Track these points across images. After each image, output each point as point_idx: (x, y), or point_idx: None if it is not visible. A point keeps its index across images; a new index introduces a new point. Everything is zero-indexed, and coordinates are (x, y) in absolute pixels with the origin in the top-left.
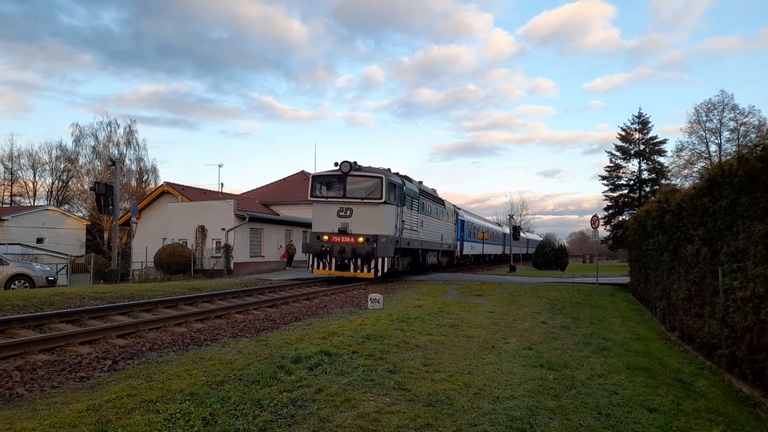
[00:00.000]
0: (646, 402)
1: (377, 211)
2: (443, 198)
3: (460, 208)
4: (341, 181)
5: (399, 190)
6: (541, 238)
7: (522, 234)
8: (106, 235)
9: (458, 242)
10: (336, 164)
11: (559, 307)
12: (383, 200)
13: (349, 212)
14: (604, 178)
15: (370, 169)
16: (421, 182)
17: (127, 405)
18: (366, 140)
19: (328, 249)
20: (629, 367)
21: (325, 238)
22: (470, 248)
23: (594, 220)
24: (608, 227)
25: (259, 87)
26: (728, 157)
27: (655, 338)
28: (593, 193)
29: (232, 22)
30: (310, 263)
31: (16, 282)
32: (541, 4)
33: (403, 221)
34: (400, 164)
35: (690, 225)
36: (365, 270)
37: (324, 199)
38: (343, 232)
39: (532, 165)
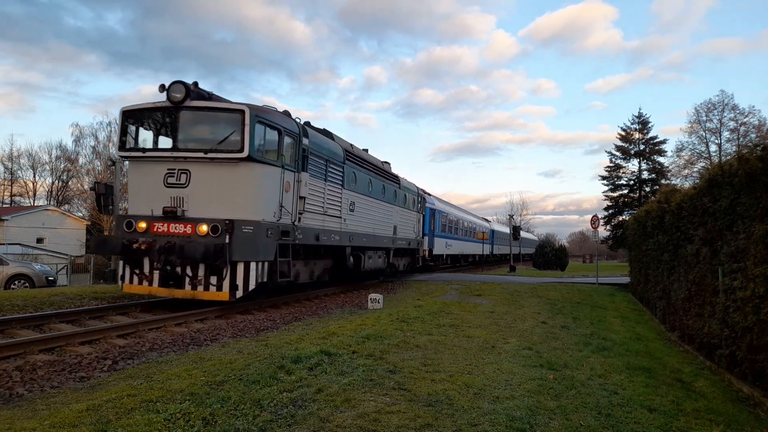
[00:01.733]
0: (646, 402)
1: (236, 173)
2: (401, 176)
3: (429, 194)
4: (172, 119)
5: (292, 143)
6: (536, 237)
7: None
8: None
9: (426, 238)
10: (162, 88)
11: (559, 307)
12: (246, 154)
13: (184, 177)
14: (604, 178)
15: (226, 101)
16: (366, 150)
17: (127, 405)
18: (367, 140)
19: (144, 247)
20: (629, 367)
21: (142, 225)
22: (444, 246)
23: (594, 220)
24: (608, 227)
25: (262, 87)
26: (728, 157)
27: (655, 338)
28: (593, 193)
29: (236, 23)
30: (120, 272)
31: (16, 282)
32: (543, 6)
33: (302, 198)
34: (401, 164)
35: (690, 225)
36: (211, 286)
37: (141, 154)
38: (172, 214)
39: (532, 165)
